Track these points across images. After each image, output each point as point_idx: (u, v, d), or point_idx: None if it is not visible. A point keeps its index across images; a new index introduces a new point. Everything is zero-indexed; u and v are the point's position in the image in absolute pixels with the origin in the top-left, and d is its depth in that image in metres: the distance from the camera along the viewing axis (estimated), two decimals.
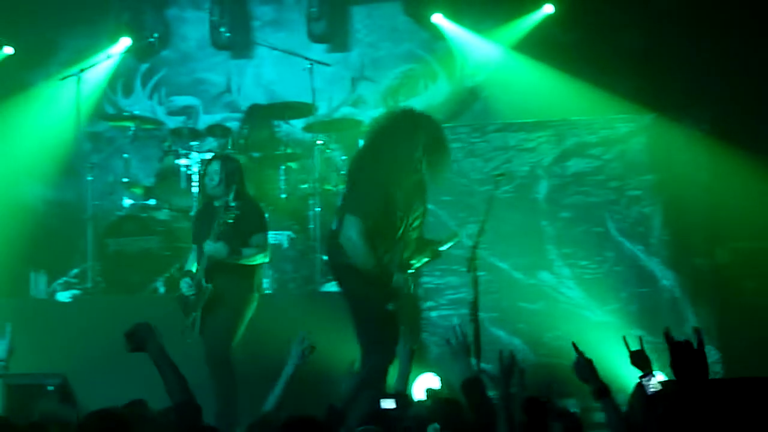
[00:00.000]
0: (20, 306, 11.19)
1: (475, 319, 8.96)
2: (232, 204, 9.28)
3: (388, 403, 6.45)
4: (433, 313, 10.84)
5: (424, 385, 9.80)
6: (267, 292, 11.04)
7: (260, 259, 9.54)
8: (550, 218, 10.95)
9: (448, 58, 12.96)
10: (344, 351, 8.43)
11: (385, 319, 8.29)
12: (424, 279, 11.04)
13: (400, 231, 8.47)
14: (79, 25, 13.62)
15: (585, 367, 5.87)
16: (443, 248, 8.75)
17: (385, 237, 8.43)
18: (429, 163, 8.40)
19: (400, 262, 8.54)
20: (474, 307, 9.03)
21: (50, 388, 9.22)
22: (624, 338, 6.17)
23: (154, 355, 5.84)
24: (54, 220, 13.42)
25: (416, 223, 8.57)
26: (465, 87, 12.80)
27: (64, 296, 11.45)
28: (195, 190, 11.51)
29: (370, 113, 12.81)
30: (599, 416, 9.10)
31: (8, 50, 13.38)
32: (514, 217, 10.87)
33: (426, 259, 8.75)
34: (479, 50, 12.75)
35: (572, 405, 9.57)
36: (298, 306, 10.27)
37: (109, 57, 13.05)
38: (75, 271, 11.87)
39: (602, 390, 5.76)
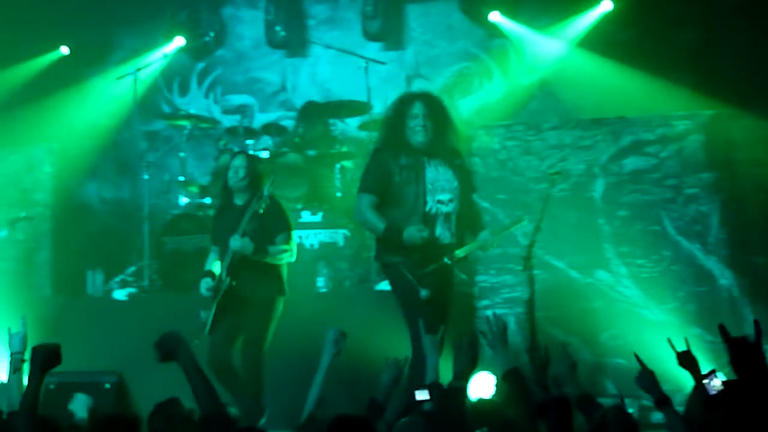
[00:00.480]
0: (77, 304, 11.28)
1: (531, 317, 8.94)
2: (266, 193, 9.18)
3: (422, 395, 6.40)
4: (489, 312, 10.76)
5: (479, 384, 9.75)
6: (322, 290, 11.08)
7: (286, 258, 9.44)
8: (607, 216, 10.87)
9: (503, 56, 12.92)
10: (399, 348, 8.39)
11: (418, 308, 8.32)
12: (480, 277, 11.00)
13: (411, 200, 8.53)
14: (135, 25, 13.71)
15: (647, 377, 5.96)
16: (493, 241, 8.73)
17: (395, 206, 8.57)
18: (434, 127, 8.61)
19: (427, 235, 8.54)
20: (530, 305, 9.00)
21: (107, 386, 9.24)
22: (669, 340, 6.17)
23: (184, 365, 5.81)
24: (111, 219, 13.52)
25: (448, 199, 8.60)
26: (520, 85, 12.74)
27: (120, 294, 11.50)
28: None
29: None
30: (657, 416, 9.06)
31: (64, 50, 13.48)
32: (570, 216, 10.80)
33: (472, 248, 8.73)
34: (535, 47, 12.69)
35: (629, 404, 9.52)
36: (354, 304, 10.26)
37: (165, 56, 13.11)
38: (131, 269, 11.92)
39: (663, 400, 5.81)
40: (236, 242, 9.13)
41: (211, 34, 13.31)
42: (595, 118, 11.29)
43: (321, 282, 11.18)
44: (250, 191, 9.40)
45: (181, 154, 12.38)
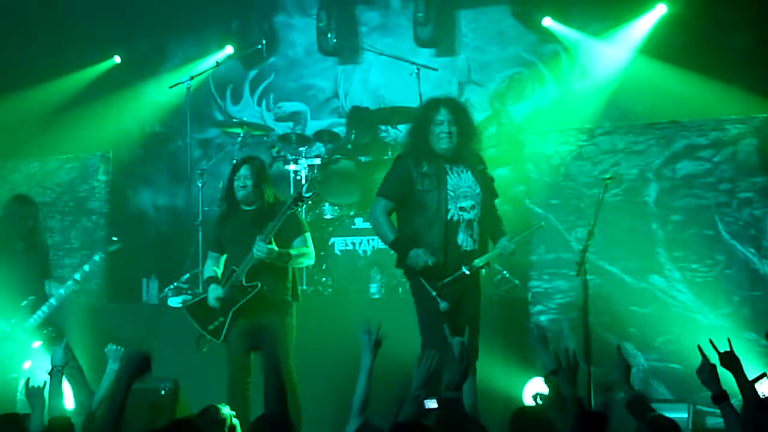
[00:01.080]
0: (133, 311, 11.36)
1: (585, 323, 8.92)
2: (306, 195, 9.15)
3: (431, 403, 6.39)
4: (543, 317, 10.77)
5: (532, 390, 9.74)
6: (375, 296, 11.10)
7: (306, 261, 9.40)
8: (660, 221, 10.81)
9: (555, 61, 12.88)
10: None
11: (436, 318, 8.37)
12: (533, 283, 10.98)
13: (434, 208, 8.57)
14: (188, 33, 13.80)
15: (708, 370, 6.03)
16: (511, 248, 8.74)
17: (418, 214, 8.64)
18: (458, 133, 8.66)
19: (444, 244, 8.59)
20: (584, 311, 8.97)
21: (162, 392, 9.31)
22: (711, 341, 6.19)
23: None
24: (165, 227, 13.62)
25: (470, 206, 8.65)
26: (573, 90, 12.69)
27: (175, 302, 11.56)
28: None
29: (477, 117, 12.78)
30: (711, 420, 9.01)
31: (117, 59, 13.59)
32: (624, 221, 10.76)
33: (491, 257, 8.78)
34: (587, 52, 12.64)
35: (682, 409, 9.47)
36: (407, 311, 10.25)
37: (217, 64, 13.19)
38: (186, 276, 11.99)
39: (721, 395, 5.86)
40: (261, 249, 9.04)
41: (263, 41, 13.36)
42: (647, 123, 11.23)
43: (374, 288, 11.19)
44: (257, 198, 9.34)
45: (234, 162, 12.42)
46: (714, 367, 6.04)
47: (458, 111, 8.80)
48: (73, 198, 12.45)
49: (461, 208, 8.62)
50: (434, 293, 8.49)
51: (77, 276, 10.39)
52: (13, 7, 13.27)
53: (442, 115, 8.66)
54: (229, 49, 13.39)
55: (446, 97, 9.07)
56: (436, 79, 12.79)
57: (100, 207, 12.68)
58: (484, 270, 8.81)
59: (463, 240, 8.61)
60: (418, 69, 12.16)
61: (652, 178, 10.93)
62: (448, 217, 8.60)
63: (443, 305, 8.42)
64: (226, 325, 9.23)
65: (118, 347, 7.90)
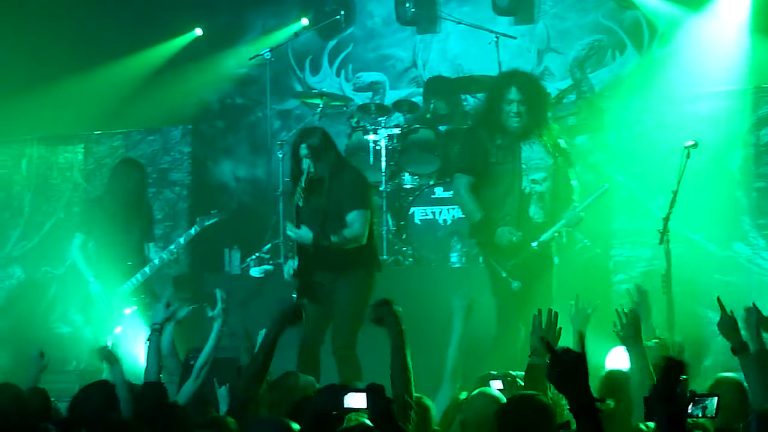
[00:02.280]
0: (216, 281, 11.46)
1: (668, 291, 8.87)
2: (302, 185, 8.80)
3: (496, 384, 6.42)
4: (624, 286, 10.70)
5: (614, 359, 9.68)
6: (456, 266, 11.10)
7: (354, 242, 8.84)
8: (745, 188, 10.70)
9: (635, 28, 12.73)
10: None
11: (508, 296, 8.71)
12: (615, 251, 10.93)
13: (508, 181, 8.69)
14: (266, 4, 13.84)
15: (728, 323, 6.27)
16: (577, 217, 8.73)
17: (491, 187, 8.77)
18: (528, 111, 8.75)
19: (518, 217, 8.67)
20: (667, 279, 8.93)
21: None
22: (718, 299, 6.47)
23: (393, 333, 5.85)
24: (246, 198, 13.71)
25: (542, 178, 8.75)
26: (654, 56, 12.54)
27: (256, 271, 11.65)
28: (383, 165, 11.61)
29: (556, 85, 12.72)
30: None
31: (198, 32, 13.67)
32: (707, 188, 10.65)
33: (557, 229, 8.83)
34: (668, 18, 12.48)
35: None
36: (486, 279, 10.24)
37: (295, 35, 13.23)
38: (267, 246, 12.06)
39: (742, 347, 6.10)
40: (290, 232, 8.89)
41: (342, 12, 13.36)
42: (731, 89, 11.11)
43: (455, 257, 11.19)
44: (322, 163, 8.93)
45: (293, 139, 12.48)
46: (734, 320, 6.27)
47: (529, 87, 8.88)
48: (156, 170, 12.60)
49: (533, 180, 8.79)
50: (504, 274, 8.71)
51: (173, 247, 10.55)
52: None
53: (513, 94, 8.77)
54: (304, 21, 13.41)
55: (516, 74, 9.18)
56: (515, 48, 12.72)
57: (182, 178, 12.82)
58: (554, 243, 8.87)
59: (535, 212, 8.80)
60: (497, 37, 12.12)
61: (736, 145, 10.81)
62: (521, 188, 8.70)
63: (515, 284, 8.67)
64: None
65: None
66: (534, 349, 6.33)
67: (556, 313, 6.45)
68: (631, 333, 6.38)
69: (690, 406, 4.99)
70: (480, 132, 8.94)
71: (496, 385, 6.36)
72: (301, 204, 8.82)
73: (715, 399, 5.07)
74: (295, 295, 8.99)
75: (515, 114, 8.73)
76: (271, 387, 6.40)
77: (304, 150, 8.90)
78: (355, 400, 5.42)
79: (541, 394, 5.57)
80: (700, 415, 5.08)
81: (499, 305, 8.96)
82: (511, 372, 6.76)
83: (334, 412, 5.42)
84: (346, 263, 8.90)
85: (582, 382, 4.14)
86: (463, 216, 10.44)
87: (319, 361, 8.98)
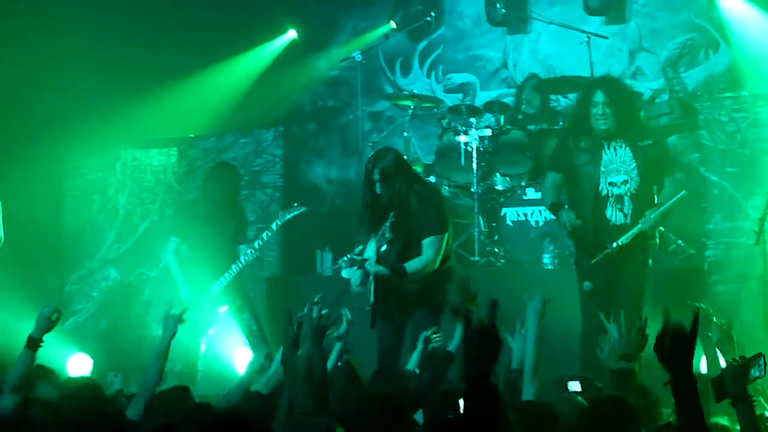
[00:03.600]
0: (308, 283, 11.52)
1: (764, 292, 8.79)
2: (387, 236, 8.77)
3: (575, 386, 6.37)
4: (720, 287, 10.59)
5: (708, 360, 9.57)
6: (548, 267, 11.07)
7: (429, 269, 8.74)
8: None
9: (728, 26, 12.59)
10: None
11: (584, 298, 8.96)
12: (709, 252, 10.81)
13: (587, 182, 8.89)
14: (357, 6, 13.90)
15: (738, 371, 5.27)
16: (653, 222, 8.73)
17: (574, 187, 9.09)
18: (614, 113, 8.88)
19: (593, 218, 8.87)
20: (763, 280, 8.85)
21: (339, 363, 9.41)
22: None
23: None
24: (338, 199, 13.77)
25: (621, 181, 8.86)
26: (748, 54, 12.39)
27: (348, 273, 11.67)
28: (474, 166, 11.60)
29: (649, 85, 12.64)
30: None
31: (292, 34, 13.74)
32: None
33: (633, 233, 8.82)
34: (761, 15, 12.33)
35: None
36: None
37: (386, 37, 13.28)
38: (359, 248, 12.06)
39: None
40: (371, 268, 8.81)
41: (432, 14, 13.37)
42: None
43: (547, 259, 11.15)
44: (390, 188, 8.81)
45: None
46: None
47: (614, 91, 9.05)
48: (248, 172, 12.67)
49: (611, 183, 8.89)
50: (582, 273, 8.98)
51: (256, 245, 10.63)
52: None
53: (598, 97, 8.92)
54: (393, 25, 13.45)
55: (602, 78, 9.65)
56: (606, 48, 12.66)
57: (274, 180, 12.88)
58: (647, 247, 8.90)
59: (612, 214, 8.90)
60: (588, 37, 12.06)
61: None
62: (598, 190, 8.87)
63: (586, 284, 8.90)
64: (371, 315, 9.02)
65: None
66: (622, 354, 6.28)
67: (646, 318, 6.40)
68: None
69: (751, 371, 4.99)
70: (567, 135, 9.24)
71: (574, 387, 6.34)
72: (388, 236, 8.81)
73: (762, 357, 5.05)
74: (369, 308, 8.95)
75: (601, 116, 8.87)
76: None
77: (377, 175, 8.85)
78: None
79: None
80: (761, 375, 5.07)
81: (581, 306, 8.99)
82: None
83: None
84: (419, 291, 8.86)
85: (688, 360, 4.25)
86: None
87: None
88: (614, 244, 8.76)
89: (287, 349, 6.24)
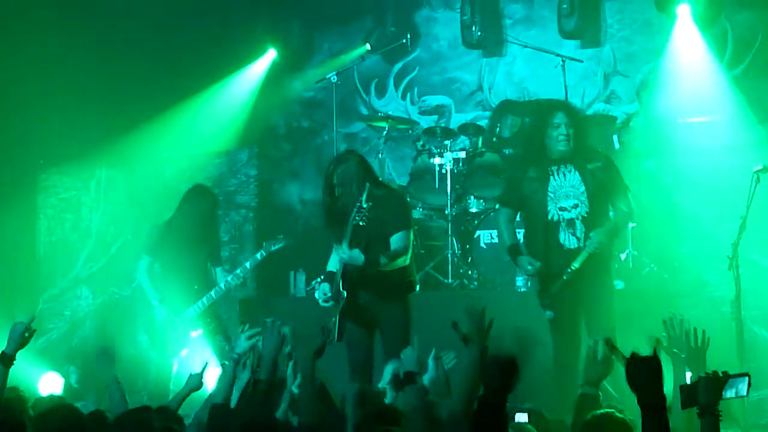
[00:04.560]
0: (282, 304, 11.50)
1: (737, 317, 8.81)
2: (364, 206, 8.70)
3: (521, 417, 6.36)
4: (692, 312, 10.60)
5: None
6: (522, 289, 11.08)
7: (400, 263, 8.85)
8: None
9: (702, 50, 12.62)
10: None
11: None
12: (682, 276, 10.85)
13: (537, 210, 8.91)
14: (333, 27, 13.91)
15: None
16: (602, 241, 8.78)
17: (526, 218, 9.12)
18: (575, 135, 8.87)
19: (544, 245, 8.93)
20: (736, 305, 8.87)
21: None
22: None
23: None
24: (312, 220, 13.75)
25: (571, 205, 8.86)
26: (722, 79, 12.45)
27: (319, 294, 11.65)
28: (449, 188, 11.62)
29: (623, 109, 12.69)
30: None
31: (272, 53, 13.68)
32: None
33: (584, 256, 8.82)
34: (735, 40, 12.39)
35: None
36: None
37: (362, 59, 13.29)
38: None
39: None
40: (345, 254, 8.80)
41: (408, 35, 13.40)
42: None
43: (520, 281, 11.17)
44: (361, 193, 8.83)
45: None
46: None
47: (574, 114, 9.08)
48: (222, 192, 12.66)
49: (561, 208, 8.88)
50: (541, 303, 8.96)
51: (239, 272, 10.61)
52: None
53: (560, 118, 8.89)
54: (368, 46, 13.47)
55: (560, 101, 9.63)
56: (581, 71, 12.71)
57: (248, 201, 12.88)
58: (612, 269, 9.05)
59: (565, 238, 8.92)
60: (563, 61, 12.08)
61: None
62: (549, 217, 8.87)
63: (548, 314, 8.89)
64: (336, 326, 8.96)
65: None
66: (586, 379, 6.26)
67: (611, 343, 6.32)
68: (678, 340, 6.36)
69: (723, 389, 4.98)
70: (516, 168, 9.35)
71: (520, 418, 6.31)
72: (362, 224, 8.76)
73: (746, 378, 5.03)
74: (335, 319, 8.95)
75: (564, 137, 8.85)
76: None
77: (336, 179, 8.96)
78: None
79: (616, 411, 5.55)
80: (733, 397, 5.04)
81: (552, 336, 8.98)
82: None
83: None
84: (390, 285, 8.93)
85: (656, 381, 4.47)
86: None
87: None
88: (568, 270, 8.76)
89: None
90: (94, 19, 13.08)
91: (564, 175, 8.89)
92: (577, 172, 8.88)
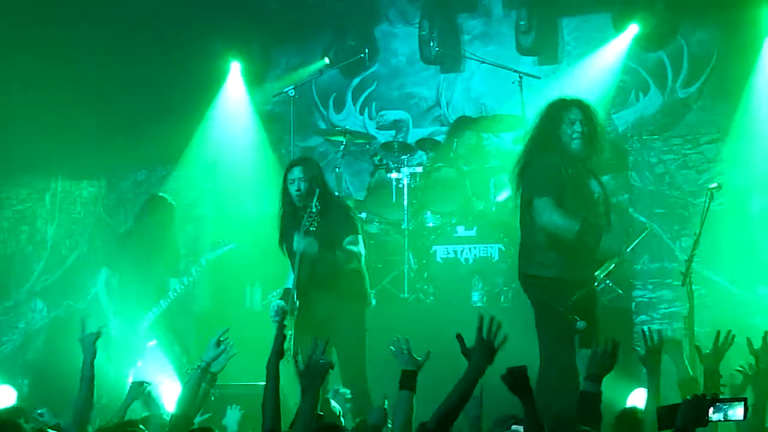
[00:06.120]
0: (238, 317, 11.47)
1: (690, 333, 8.84)
2: (314, 210, 8.93)
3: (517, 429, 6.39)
4: (646, 327, 10.65)
5: (636, 400, 9.64)
6: (478, 305, 11.08)
7: (354, 262, 9.10)
8: (767, 231, 10.68)
9: (659, 69, 12.72)
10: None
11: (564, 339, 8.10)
12: (637, 292, 10.91)
13: (588, 193, 8.17)
14: (291, 42, 13.89)
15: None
16: (629, 248, 8.66)
17: (576, 199, 8.11)
18: (587, 133, 8.14)
19: (606, 224, 8.21)
20: (689, 321, 8.90)
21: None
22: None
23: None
24: (267, 235, 13.71)
25: (602, 212, 8.28)
26: (677, 98, 12.54)
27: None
28: (405, 203, 11.63)
29: None
30: None
31: (236, 65, 13.64)
32: (729, 230, 10.63)
33: (612, 265, 8.52)
34: (690, 60, 12.48)
35: None
36: (510, 319, 10.21)
37: (320, 73, 13.28)
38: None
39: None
40: (300, 243, 8.95)
41: (366, 50, 13.41)
42: (755, 131, 11.10)
43: (476, 297, 11.18)
44: (312, 197, 9.06)
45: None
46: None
47: (590, 111, 8.32)
48: (180, 205, 12.59)
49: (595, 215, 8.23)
50: (569, 316, 8.03)
51: (185, 279, 10.60)
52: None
53: (575, 114, 8.24)
54: (327, 60, 13.46)
55: (576, 98, 8.52)
56: (539, 87, 12.74)
57: (205, 214, 12.84)
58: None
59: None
60: (520, 77, 12.11)
61: (757, 187, 10.79)
62: (594, 197, 8.27)
63: (581, 324, 7.98)
64: (292, 341, 8.78)
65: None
66: (589, 374, 6.31)
67: (616, 342, 6.40)
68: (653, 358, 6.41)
69: (711, 412, 4.99)
70: (550, 156, 8.18)
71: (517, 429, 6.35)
72: (312, 229, 8.91)
73: (741, 403, 5.03)
74: (290, 332, 8.91)
75: (579, 134, 8.17)
76: None
77: (298, 174, 9.14)
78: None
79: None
80: (721, 420, 5.06)
81: (549, 347, 8.54)
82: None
83: None
84: (343, 295, 9.03)
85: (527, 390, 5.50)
86: (486, 255, 10.49)
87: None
88: (601, 275, 8.41)
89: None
90: (45, 29, 12.99)
91: (595, 177, 8.33)
92: (598, 177, 8.39)
